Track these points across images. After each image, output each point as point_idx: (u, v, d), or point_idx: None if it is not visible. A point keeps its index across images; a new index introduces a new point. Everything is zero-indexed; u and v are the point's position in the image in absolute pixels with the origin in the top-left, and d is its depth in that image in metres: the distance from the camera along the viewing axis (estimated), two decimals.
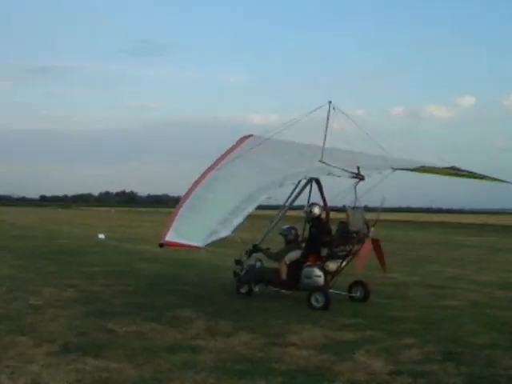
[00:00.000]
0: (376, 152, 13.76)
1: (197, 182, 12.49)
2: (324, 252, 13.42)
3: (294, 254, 13.80)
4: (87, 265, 20.39)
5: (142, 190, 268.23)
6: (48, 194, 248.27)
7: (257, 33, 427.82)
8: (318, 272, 13.22)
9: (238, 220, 10.59)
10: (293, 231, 14.26)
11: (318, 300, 12.78)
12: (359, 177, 13.07)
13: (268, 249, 14.48)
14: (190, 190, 12.15)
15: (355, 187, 13.23)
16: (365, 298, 13.82)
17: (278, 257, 13.98)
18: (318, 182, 14.23)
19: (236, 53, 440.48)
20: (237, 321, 11.42)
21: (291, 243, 14.17)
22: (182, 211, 11.21)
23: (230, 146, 14.51)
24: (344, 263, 13.44)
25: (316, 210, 13.95)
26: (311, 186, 14.45)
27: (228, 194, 12.12)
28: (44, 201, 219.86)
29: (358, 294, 13.91)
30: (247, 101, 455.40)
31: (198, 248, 10.28)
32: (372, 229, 13.56)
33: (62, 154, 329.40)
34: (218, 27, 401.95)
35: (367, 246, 13.28)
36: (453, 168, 13.98)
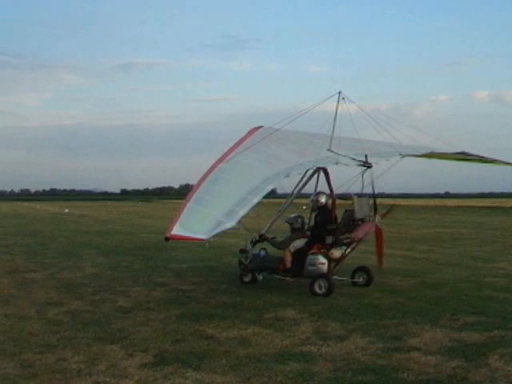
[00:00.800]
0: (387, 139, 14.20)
1: (205, 175, 12.34)
2: (329, 240, 13.57)
3: (299, 243, 13.95)
4: (174, 261, 19.61)
5: None
6: (129, 187, 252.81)
7: (336, 23, 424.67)
8: (322, 259, 13.42)
9: (244, 211, 10.82)
10: (299, 220, 14.38)
11: (321, 286, 13.03)
12: (367, 165, 13.51)
13: (274, 238, 14.57)
14: (199, 184, 12.04)
15: (362, 175, 13.69)
16: (368, 283, 14.14)
17: (283, 245, 14.10)
18: (325, 171, 14.30)
19: (316, 44, 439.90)
20: (346, 321, 10.47)
21: (297, 232, 14.25)
22: (190, 204, 11.08)
23: (240, 138, 14.44)
24: (348, 250, 13.69)
25: (322, 199, 14.17)
26: (318, 175, 14.67)
27: (235, 186, 12.21)
28: (125, 194, 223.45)
29: (361, 279, 14.27)
30: (328, 91, 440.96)
31: (201, 240, 10.25)
32: (378, 217, 13.87)
33: (143, 148, 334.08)
34: (298, 20, 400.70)
35: (370, 225, 13.75)
36: (463, 153, 14.52)
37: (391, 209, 15.11)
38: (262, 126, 15.25)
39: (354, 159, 13.40)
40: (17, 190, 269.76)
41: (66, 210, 75.03)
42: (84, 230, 36.77)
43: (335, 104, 14.14)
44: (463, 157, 14.96)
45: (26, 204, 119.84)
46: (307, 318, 10.72)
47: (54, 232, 34.45)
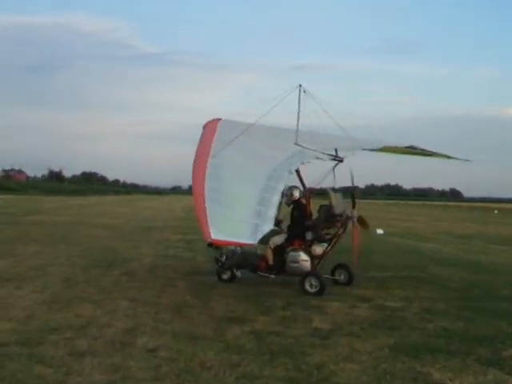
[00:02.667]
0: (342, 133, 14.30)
1: (198, 171, 12.59)
2: (309, 236, 13.63)
3: (278, 239, 13.77)
4: (373, 267, 17.42)
5: (406, 183, 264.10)
6: None
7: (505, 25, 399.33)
8: (304, 256, 13.42)
9: (272, 211, 11.45)
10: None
11: (312, 285, 12.90)
12: (338, 159, 13.77)
13: None
14: (198, 181, 12.18)
15: (334, 170, 13.88)
16: (349, 281, 14.11)
17: (262, 241, 12.59)
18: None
19: (484, 47, 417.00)
20: None
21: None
22: (209, 205, 11.16)
23: (204, 131, 14.99)
24: (329, 247, 13.77)
25: (296, 193, 14.15)
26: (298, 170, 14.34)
27: (244, 185, 12.66)
28: None
29: (341, 277, 14.22)
30: (500, 95, 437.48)
31: (251, 245, 11.50)
32: (355, 212, 13.70)
33: None
34: (461, 21, 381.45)
35: (356, 232, 13.65)
36: (410, 147, 14.75)
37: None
38: (220, 119, 15.65)
39: (324, 153, 13.61)
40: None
41: None
42: None
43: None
44: (408, 151, 15.14)
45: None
46: None
47: None
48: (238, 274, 14.15)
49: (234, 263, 14.09)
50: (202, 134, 14.70)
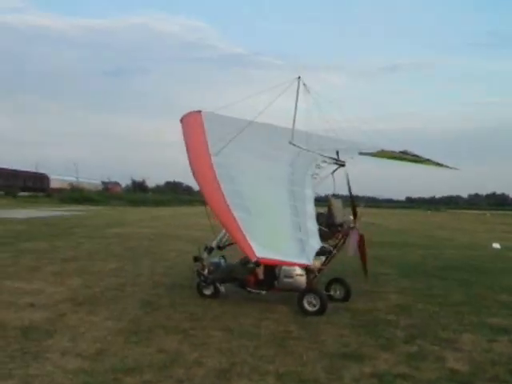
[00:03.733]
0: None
1: (204, 170, 11.17)
2: None
3: None
4: (504, 289, 15.21)
5: None
6: (414, 195, 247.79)
7: None
8: (299, 270, 12.25)
9: (313, 223, 10.67)
10: None
11: (312, 303, 11.58)
12: (339, 163, 12.95)
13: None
14: (207, 181, 10.91)
15: (333, 174, 13.10)
16: (345, 297, 12.91)
17: None
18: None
19: None
20: None
21: None
22: (239, 214, 9.75)
23: (185, 125, 13.38)
24: (327, 260, 12.58)
25: None
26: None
27: (266, 189, 11.68)
28: (410, 202, 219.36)
29: (337, 293, 12.99)
30: None
31: (306, 265, 10.78)
32: (357, 222, 12.78)
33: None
34: None
35: (355, 235, 12.64)
36: (404, 152, 13.81)
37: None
38: (200, 111, 14.37)
39: (324, 155, 13.05)
40: None
41: None
42: (376, 240, 33.05)
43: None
44: (402, 156, 14.14)
45: None
46: None
47: None
48: (222, 289, 12.98)
49: (219, 277, 12.99)
50: (186, 129, 13.18)
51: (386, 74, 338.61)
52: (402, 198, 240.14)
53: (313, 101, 13.32)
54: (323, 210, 12.96)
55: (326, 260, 12.57)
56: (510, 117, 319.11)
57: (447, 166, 15.51)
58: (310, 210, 11.16)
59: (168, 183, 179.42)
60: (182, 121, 13.79)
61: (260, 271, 12.60)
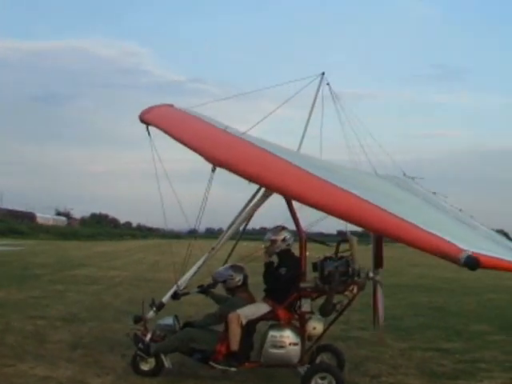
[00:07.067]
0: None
1: (275, 161, 8.58)
2: (306, 305, 9.49)
3: (255, 310, 9.68)
4: None
5: None
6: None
7: None
8: (293, 337, 9.38)
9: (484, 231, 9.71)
10: (234, 275, 10.12)
11: None
12: None
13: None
14: (297, 174, 8.23)
15: None
16: (339, 367, 9.97)
17: (223, 312, 9.79)
18: None
19: None
20: None
21: (235, 292, 10.12)
22: (394, 207, 7.45)
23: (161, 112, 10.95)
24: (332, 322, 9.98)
25: (287, 239, 10.02)
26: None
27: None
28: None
29: None
30: None
31: None
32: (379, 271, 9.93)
33: None
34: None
35: (379, 295, 9.97)
36: None
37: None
38: (172, 104, 11.62)
39: None
40: None
41: None
42: None
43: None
44: None
45: None
46: None
47: None
48: (168, 363, 9.88)
49: (169, 346, 9.88)
50: (167, 118, 10.68)
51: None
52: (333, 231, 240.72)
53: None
54: (346, 253, 9.87)
55: (331, 322, 9.96)
56: (450, 149, 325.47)
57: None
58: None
59: (94, 215, 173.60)
60: (146, 114, 10.72)
61: (235, 339, 9.49)
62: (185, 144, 9.06)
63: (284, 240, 10.04)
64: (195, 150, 8.79)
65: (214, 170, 8.56)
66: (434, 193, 11.62)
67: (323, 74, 11.21)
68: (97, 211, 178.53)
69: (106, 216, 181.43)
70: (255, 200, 10.31)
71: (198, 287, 10.50)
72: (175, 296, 10.26)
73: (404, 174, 11.61)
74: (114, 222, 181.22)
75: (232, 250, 11.04)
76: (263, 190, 10.05)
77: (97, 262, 39.24)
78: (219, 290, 10.45)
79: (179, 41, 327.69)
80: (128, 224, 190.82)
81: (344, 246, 9.82)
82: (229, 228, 10.57)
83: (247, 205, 10.51)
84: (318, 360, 10.07)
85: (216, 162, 8.41)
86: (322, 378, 9.05)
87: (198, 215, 9.33)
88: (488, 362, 11.71)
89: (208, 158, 8.44)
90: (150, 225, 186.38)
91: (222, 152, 8.60)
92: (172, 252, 11.91)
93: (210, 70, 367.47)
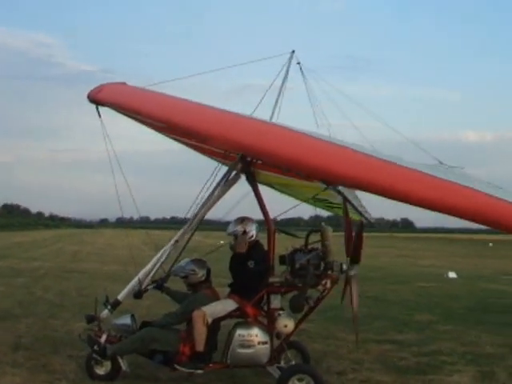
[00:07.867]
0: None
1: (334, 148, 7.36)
2: (276, 301, 9.00)
3: (222, 308, 9.11)
4: None
5: None
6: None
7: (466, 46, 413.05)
8: (262, 336, 8.93)
9: None
10: (196, 269, 9.44)
11: None
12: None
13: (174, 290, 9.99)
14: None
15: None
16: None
17: (186, 310, 9.12)
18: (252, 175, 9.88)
19: (444, 68, 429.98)
20: None
21: (197, 288, 9.44)
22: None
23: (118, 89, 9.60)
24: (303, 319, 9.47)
25: (252, 230, 9.36)
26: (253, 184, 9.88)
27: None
28: None
29: (292, 363, 9.24)
30: (460, 118, 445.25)
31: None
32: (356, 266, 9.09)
33: None
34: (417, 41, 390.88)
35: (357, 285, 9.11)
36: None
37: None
38: (124, 82, 10.03)
39: None
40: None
41: None
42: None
43: None
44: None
45: None
46: None
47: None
48: (125, 366, 9.22)
49: (127, 347, 9.19)
50: (127, 94, 9.43)
51: (235, 96, 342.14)
52: None
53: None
54: (317, 244, 9.34)
55: (302, 318, 9.41)
56: (360, 139, 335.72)
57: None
58: None
59: (5, 205, 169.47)
60: (98, 93, 9.39)
61: (201, 339, 8.88)
62: (173, 123, 8.14)
63: (246, 232, 9.38)
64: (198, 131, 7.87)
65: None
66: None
67: (293, 52, 10.51)
68: (8, 202, 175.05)
69: (18, 206, 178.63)
70: (219, 188, 9.65)
71: (153, 282, 9.58)
72: (138, 294, 9.43)
73: (440, 163, 10.84)
74: (25, 212, 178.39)
75: (187, 242, 10.00)
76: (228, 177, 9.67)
77: (16, 252, 38.62)
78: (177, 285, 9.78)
79: (90, 31, 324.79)
80: (40, 214, 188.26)
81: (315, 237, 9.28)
82: (194, 218, 9.68)
83: (212, 194, 9.68)
84: (282, 359, 9.51)
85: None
86: (300, 380, 8.54)
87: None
88: (448, 354, 11.55)
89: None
90: (62, 214, 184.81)
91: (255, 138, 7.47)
92: (129, 244, 10.80)
93: (121, 61, 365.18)
